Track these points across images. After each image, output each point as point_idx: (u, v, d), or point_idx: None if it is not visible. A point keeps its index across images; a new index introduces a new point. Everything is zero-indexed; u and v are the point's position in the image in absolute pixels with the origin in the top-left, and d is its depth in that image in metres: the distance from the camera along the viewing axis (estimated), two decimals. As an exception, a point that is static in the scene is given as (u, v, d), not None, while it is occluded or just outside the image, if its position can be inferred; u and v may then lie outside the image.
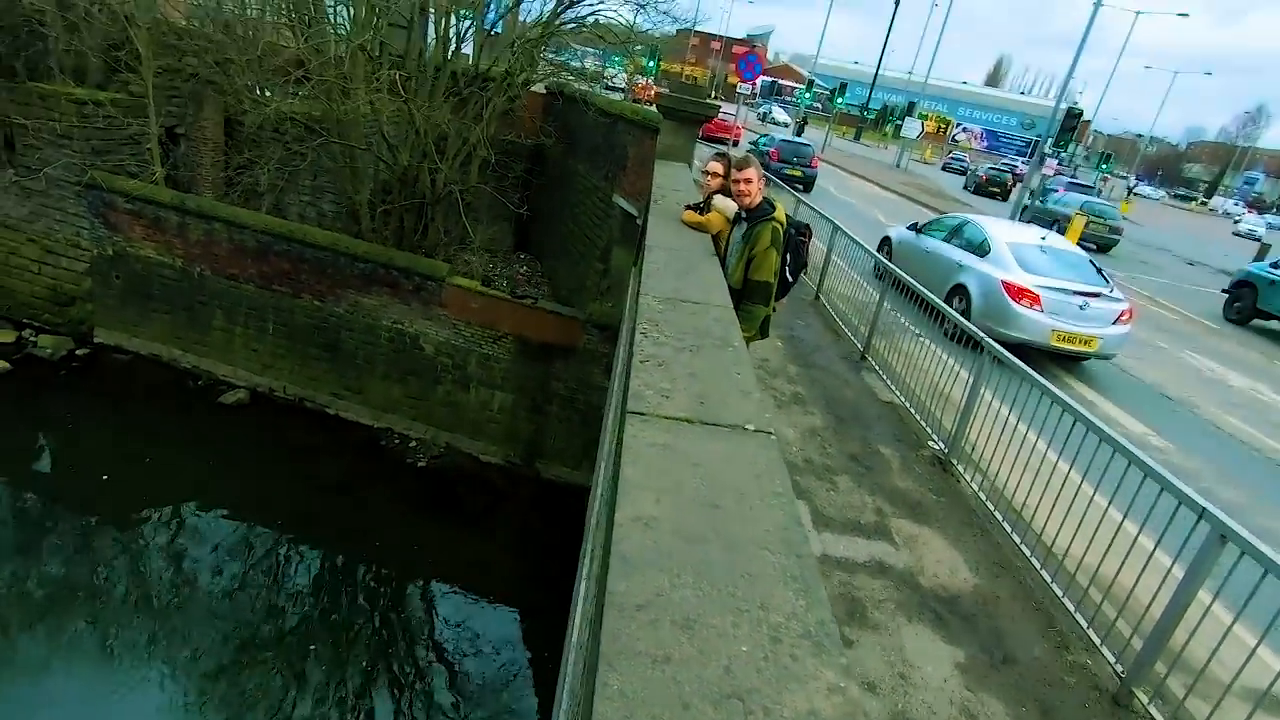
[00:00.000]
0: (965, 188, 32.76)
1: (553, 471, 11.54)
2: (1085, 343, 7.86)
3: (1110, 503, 3.70)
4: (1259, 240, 31.02)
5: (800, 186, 18.37)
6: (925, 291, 6.35)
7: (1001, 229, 9.29)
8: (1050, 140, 20.22)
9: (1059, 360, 8.31)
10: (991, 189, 30.47)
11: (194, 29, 13.23)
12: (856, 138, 57.03)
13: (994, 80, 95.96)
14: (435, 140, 11.97)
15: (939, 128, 68.31)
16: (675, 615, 1.27)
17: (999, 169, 33.71)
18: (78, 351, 12.44)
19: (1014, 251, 8.44)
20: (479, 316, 11.35)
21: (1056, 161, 30.55)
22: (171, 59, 12.62)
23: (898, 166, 37.65)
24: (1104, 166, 50.23)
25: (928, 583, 3.90)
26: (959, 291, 8.58)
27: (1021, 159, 45.28)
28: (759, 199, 4.31)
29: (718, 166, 4.84)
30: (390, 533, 10.03)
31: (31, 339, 12.42)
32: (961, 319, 5.61)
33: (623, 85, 30.51)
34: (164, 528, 9.71)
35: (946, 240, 9.58)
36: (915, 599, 3.75)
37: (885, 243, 11.01)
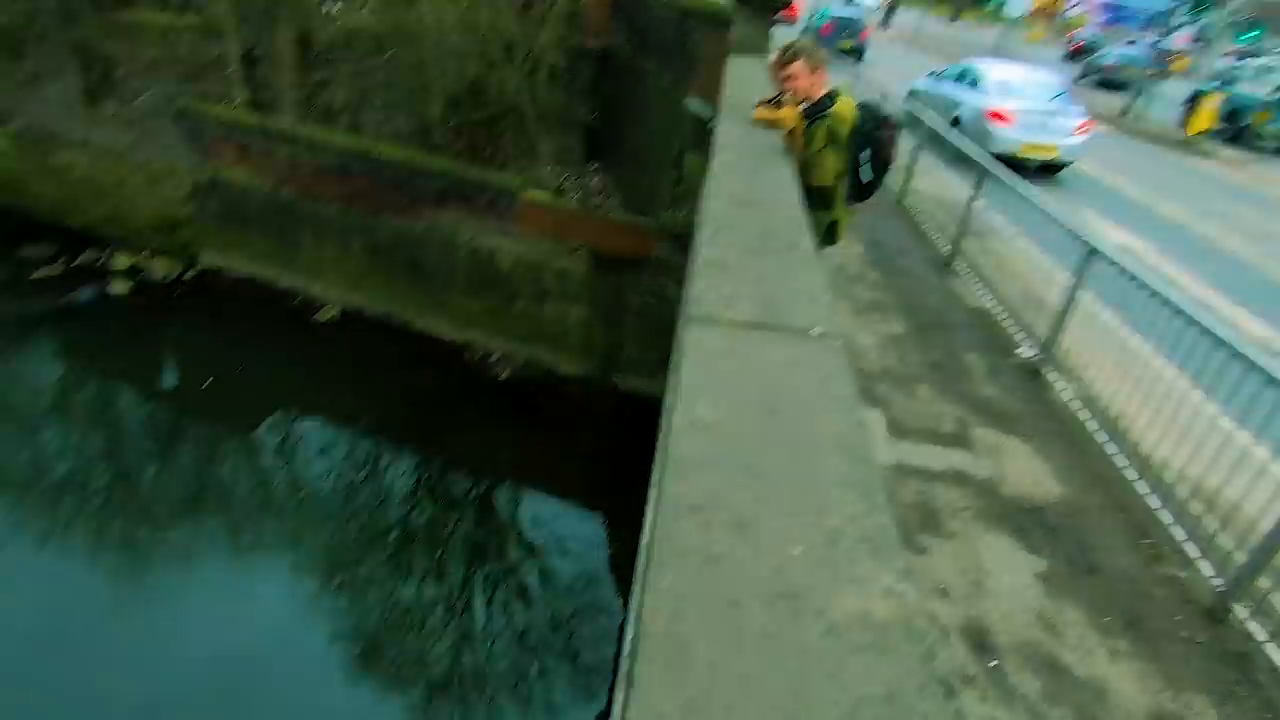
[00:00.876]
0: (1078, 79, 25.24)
1: (629, 383, 11.72)
2: (1048, 150, 10.21)
3: (1221, 414, 3.43)
4: None
5: (854, 58, 20.26)
6: (936, 124, 8.19)
7: (996, 69, 11.49)
8: (1187, 6, 17.54)
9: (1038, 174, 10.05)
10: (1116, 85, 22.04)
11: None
12: (954, 18, 51.75)
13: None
14: (502, 48, 11.68)
15: (1052, 1, 60.90)
16: (728, 516, 1.26)
17: (1130, 56, 24.00)
18: (186, 275, 13.34)
19: (997, 85, 10.76)
20: (552, 230, 11.34)
21: (1193, 34, 25.05)
22: (243, -21, 12.68)
23: (997, 50, 34.13)
24: (1253, 33, 43.58)
25: (1010, 492, 3.79)
26: (956, 121, 10.43)
27: (1148, 35, 38.61)
28: (817, 91, 3.96)
29: (793, 63, 4.48)
30: (477, 441, 10.58)
31: (146, 263, 13.40)
32: (956, 140, 7.26)
33: None
34: (277, 436, 10.60)
35: (956, 81, 11.50)
36: (996, 508, 3.65)
37: (912, 93, 12.18)
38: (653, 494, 1.38)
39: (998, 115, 10.07)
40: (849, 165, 4.00)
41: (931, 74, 12.48)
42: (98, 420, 10.57)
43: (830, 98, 3.95)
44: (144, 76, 12.45)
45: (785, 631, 1.06)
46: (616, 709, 1.16)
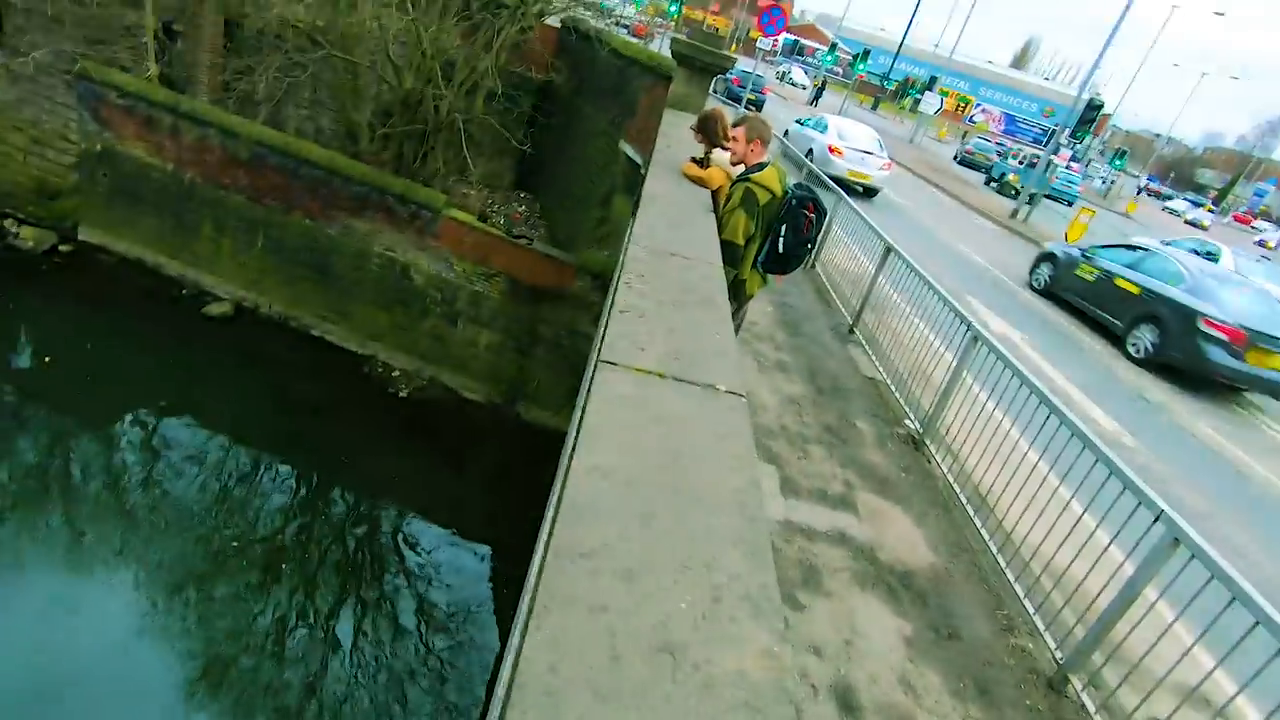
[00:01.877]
0: (987, 183, 29.16)
1: (533, 415, 11.58)
2: (865, 178, 14.64)
3: (1073, 496, 3.76)
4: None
5: (754, 107, 23.45)
6: (798, 153, 12.94)
7: (837, 122, 16.01)
8: (1068, 130, 19.91)
9: (860, 194, 14.29)
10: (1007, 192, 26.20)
11: (198, -81, 12.58)
12: (874, 107, 55.82)
13: (1020, 62, 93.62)
14: (442, 65, 11.59)
15: (958, 106, 66.95)
16: (618, 566, 1.27)
17: (1011, 169, 28.26)
18: (61, 247, 12.20)
19: (837, 131, 15.25)
20: (472, 252, 11.20)
21: (1070, 153, 29.05)
22: (173, -51, 12.06)
23: (910, 142, 37.04)
24: (1117, 162, 49.63)
25: (886, 557, 3.97)
26: (809, 152, 14.51)
27: (1038, 146, 43.57)
28: (751, 159, 4.23)
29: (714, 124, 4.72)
30: (366, 459, 10.09)
31: (14, 230, 12.16)
32: (809, 163, 11.38)
33: (628, 22, 29.99)
34: (139, 432, 9.72)
35: (812, 128, 16.00)
36: (871, 571, 3.82)
37: (786, 132, 16.02)
38: (543, 535, 1.37)
39: (834, 150, 14.40)
40: (767, 234, 4.23)
41: (798, 120, 16.91)
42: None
43: (759, 167, 4.19)
44: (42, 31, 11.50)
45: (662, 687, 1.07)
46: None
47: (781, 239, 4.23)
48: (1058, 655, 3.47)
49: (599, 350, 2.07)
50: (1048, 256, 12.26)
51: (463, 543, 9.51)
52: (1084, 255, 11.32)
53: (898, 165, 27.15)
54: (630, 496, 1.46)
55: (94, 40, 11.67)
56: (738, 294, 4.32)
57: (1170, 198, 61.96)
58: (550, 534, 1.34)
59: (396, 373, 11.79)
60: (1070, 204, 28.93)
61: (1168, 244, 12.98)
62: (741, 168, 4.48)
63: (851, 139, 14.93)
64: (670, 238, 3.26)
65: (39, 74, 11.72)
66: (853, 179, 14.01)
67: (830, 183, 9.03)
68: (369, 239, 11.43)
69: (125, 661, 7.00)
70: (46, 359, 10.05)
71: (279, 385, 10.87)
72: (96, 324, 11.02)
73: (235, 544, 8.49)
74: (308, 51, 11.59)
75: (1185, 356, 9.04)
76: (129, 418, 9.81)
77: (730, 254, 4.07)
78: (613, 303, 2.43)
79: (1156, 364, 9.42)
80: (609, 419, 1.71)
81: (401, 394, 11.50)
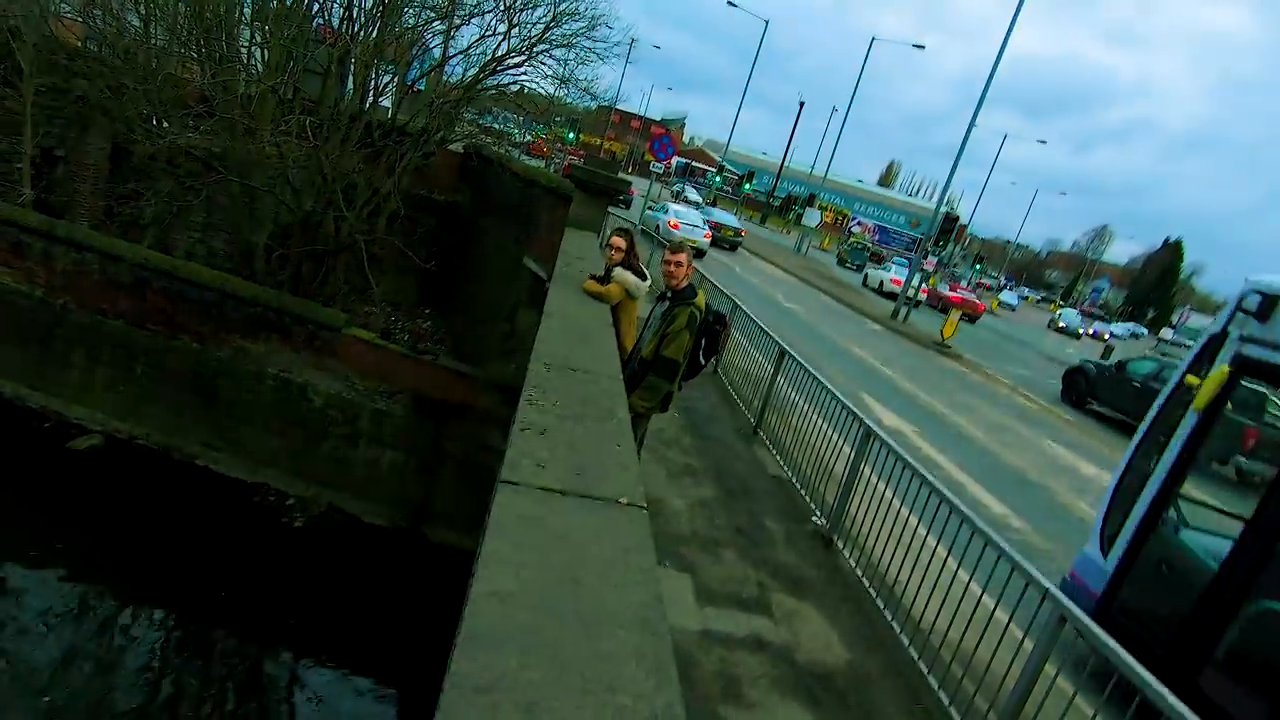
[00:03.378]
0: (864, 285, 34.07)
1: (441, 536, 11.02)
2: (694, 242, 18.15)
3: (971, 578, 3.93)
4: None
5: (623, 205, 30.11)
6: (651, 229, 18.68)
7: (674, 208, 24.48)
8: (931, 239, 22.20)
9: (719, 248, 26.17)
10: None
11: (88, 51, 12.55)
12: (762, 222, 60.38)
13: (886, 181, 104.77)
14: (343, 188, 11.72)
15: (836, 219, 73.53)
16: (519, 698, 1.23)
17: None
18: (-102, 384, 10.97)
19: (675, 213, 23.36)
20: (375, 370, 10.93)
21: (936, 259, 32.91)
22: (58, 78, 11.88)
23: (798, 251, 40.02)
24: (978, 267, 55.38)
25: (803, 659, 3.96)
26: (657, 227, 19.97)
27: (908, 252, 48.55)
28: (685, 282, 4.56)
29: (620, 241, 5.01)
30: (255, 599, 9.19)
31: None
32: (658, 234, 17.47)
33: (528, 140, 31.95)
34: (-19, 590, 8.49)
35: (659, 212, 23.12)
36: (791, 675, 3.79)
37: (641, 217, 21.35)
38: (447, 672, 1.32)
39: (674, 225, 21.45)
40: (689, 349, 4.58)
41: (647, 207, 23.71)
42: None
43: (693, 289, 4.58)
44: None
45: (565, 827, 1.03)
46: None
47: (701, 352, 4.80)
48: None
49: (501, 471, 2.07)
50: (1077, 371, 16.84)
51: (366, 685, 8.66)
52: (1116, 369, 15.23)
53: (786, 273, 29.57)
54: (531, 621, 1.44)
55: (-39, 166, 11.11)
56: (667, 405, 4.57)
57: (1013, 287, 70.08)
58: (449, 671, 1.29)
59: (291, 501, 11.02)
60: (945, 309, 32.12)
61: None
62: (645, 284, 4.88)
63: (684, 218, 23.24)
64: (571, 353, 3.36)
65: (-108, 200, 10.96)
66: (688, 243, 20.27)
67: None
68: (263, 360, 10.97)
69: None
70: None
71: (153, 522, 9.90)
72: (-64, 467, 9.81)
73: (97, 711, 7.37)
74: (202, 176, 11.46)
75: None
76: (-32, 573, 8.58)
77: (672, 371, 4.40)
78: (515, 421, 2.45)
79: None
80: (511, 541, 1.70)
81: (296, 524, 10.71)
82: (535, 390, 2.69)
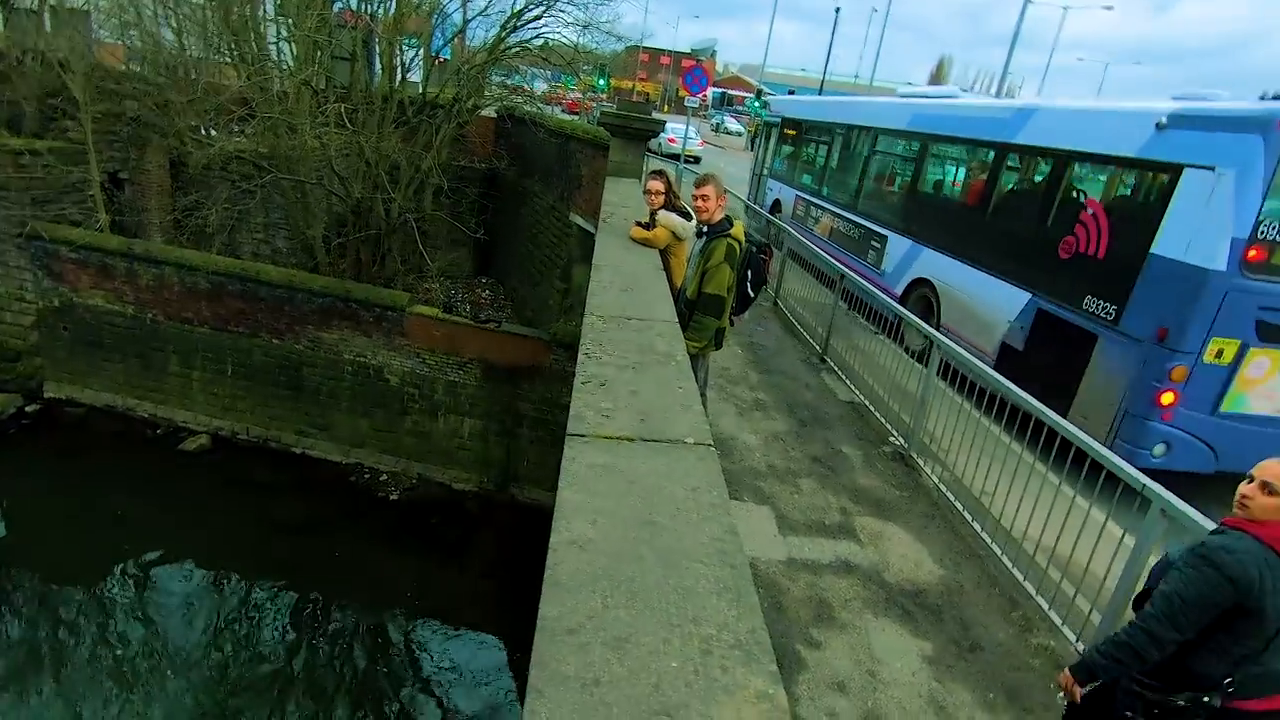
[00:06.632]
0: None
1: (528, 494, 11.46)
2: (690, 153, 20.70)
3: (1061, 481, 3.80)
4: None
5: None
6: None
7: (671, 125, 19.04)
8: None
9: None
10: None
11: (132, 73, 13.02)
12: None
13: (937, 79, 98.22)
14: (387, 170, 11.91)
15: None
16: (606, 636, 1.28)
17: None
18: (27, 409, 12.05)
19: (669, 129, 18.26)
20: (443, 344, 11.27)
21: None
22: (110, 104, 12.40)
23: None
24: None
25: (893, 578, 3.96)
26: (660, 145, 20.10)
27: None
28: (718, 215, 4.37)
29: (658, 184, 4.90)
30: (366, 570, 9.86)
31: (-22, 400, 12.01)
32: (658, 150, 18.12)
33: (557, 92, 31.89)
34: (129, 584, 9.43)
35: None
36: (882, 595, 3.80)
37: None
38: (538, 618, 1.39)
39: (671, 140, 20.92)
40: (735, 282, 4.43)
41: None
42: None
43: (729, 220, 4.38)
44: (-11, 200, 11.67)
45: (663, 752, 1.08)
46: None
47: (749, 284, 4.63)
48: (1080, 647, 3.44)
49: (568, 425, 2.11)
50: None
51: (476, 637, 9.24)
52: None
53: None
54: (611, 564, 1.49)
55: (42, 201, 11.84)
56: (720, 341, 4.46)
57: None
58: (540, 616, 1.35)
59: (384, 477, 11.65)
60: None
61: None
62: (691, 223, 4.74)
63: (677, 132, 22.94)
64: (624, 302, 3.36)
65: (-11, 242, 11.82)
66: (685, 154, 18.43)
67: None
68: (339, 347, 11.46)
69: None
70: (63, 536, 9.75)
71: (266, 510, 10.67)
72: (72, 479, 10.82)
73: (242, 684, 8.17)
74: (254, 178, 11.86)
75: None
76: (117, 570, 9.53)
77: (718, 306, 4.23)
78: (577, 376, 2.48)
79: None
80: (583, 491, 1.75)
81: (392, 497, 11.34)
82: (592, 344, 2.72)
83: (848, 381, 6.51)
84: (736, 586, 1.46)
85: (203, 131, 12.66)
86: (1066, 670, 2.45)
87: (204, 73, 13.26)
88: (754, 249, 4.61)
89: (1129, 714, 2.27)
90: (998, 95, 21.63)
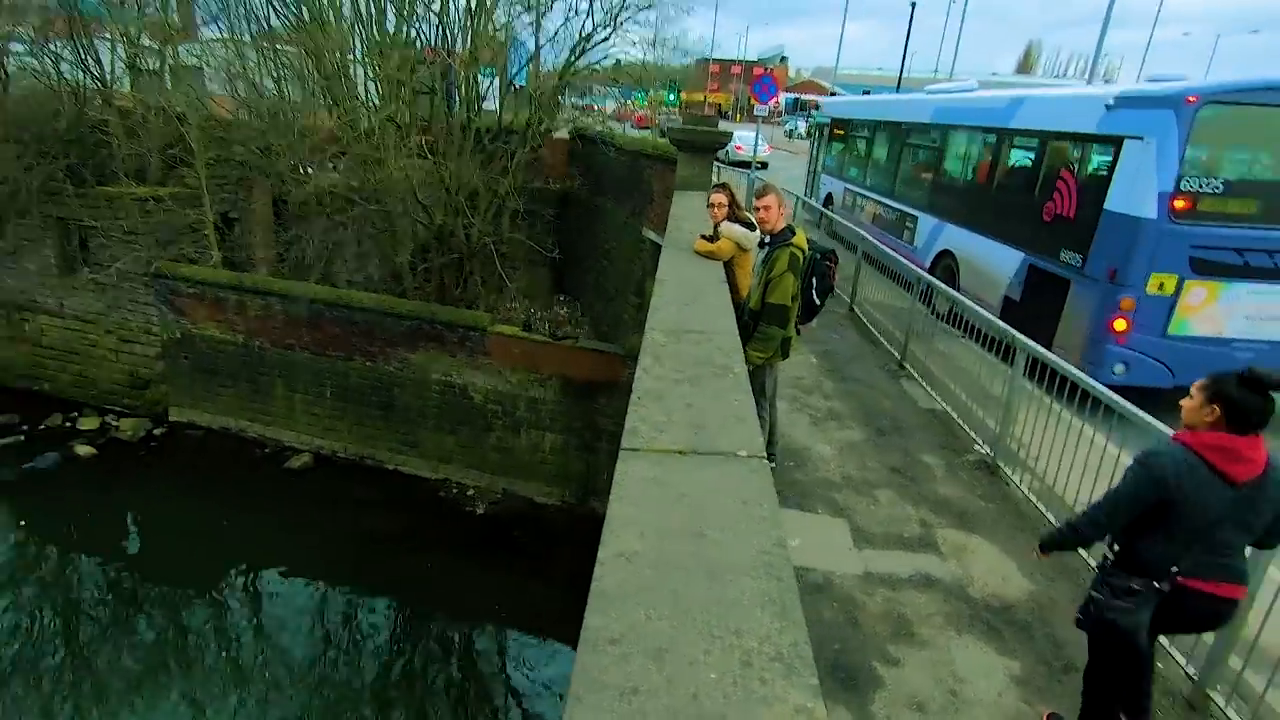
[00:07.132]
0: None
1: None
2: (757, 159, 18.34)
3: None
4: None
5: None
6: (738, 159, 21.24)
7: (738, 133, 19.38)
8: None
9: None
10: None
11: (239, 120, 14.18)
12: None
13: (1025, 67, 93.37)
14: (466, 196, 12.44)
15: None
16: (647, 647, 1.31)
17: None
18: (155, 431, 13.23)
19: (737, 138, 17.79)
20: (523, 361, 11.61)
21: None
22: (221, 150, 13.55)
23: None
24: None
25: (978, 593, 3.78)
26: (726, 152, 18.96)
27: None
28: (780, 224, 4.34)
29: (720, 197, 4.91)
30: (456, 580, 10.23)
31: (114, 423, 13.30)
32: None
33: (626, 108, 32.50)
34: (244, 593, 10.16)
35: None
36: (965, 611, 3.63)
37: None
38: (583, 628, 1.43)
39: (739, 148, 21.60)
40: (800, 290, 4.38)
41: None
42: (52, 593, 10.07)
43: (791, 229, 4.35)
44: (120, 244, 12.95)
45: (698, 761, 1.09)
46: None
47: (815, 292, 4.64)
48: (1189, 670, 3.18)
49: (622, 440, 2.16)
50: None
51: (558, 648, 9.40)
52: None
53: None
54: (657, 577, 1.51)
55: (164, 242, 13.03)
56: (787, 350, 4.43)
57: None
58: (583, 626, 1.40)
59: (471, 491, 12.07)
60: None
61: None
62: (754, 234, 4.73)
63: (745, 140, 23.12)
64: (683, 316, 3.39)
65: (121, 281, 13.11)
66: (753, 161, 18.74)
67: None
68: (426, 368, 12.01)
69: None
70: (188, 548, 10.68)
71: (363, 524, 11.26)
72: (193, 496, 11.78)
73: (346, 686, 8.63)
74: (346, 211, 12.64)
75: None
76: (235, 580, 10.29)
77: (782, 316, 4.19)
78: (634, 390, 2.53)
79: None
80: (633, 504, 1.78)
81: (479, 511, 11.73)
82: (650, 358, 2.76)
83: (928, 388, 6.28)
84: (781, 599, 1.45)
85: (301, 170, 13.61)
86: (1038, 543, 2.99)
87: (301, 116, 14.29)
88: (818, 256, 4.58)
89: (1094, 593, 2.70)
90: (1090, 79, 20.37)
